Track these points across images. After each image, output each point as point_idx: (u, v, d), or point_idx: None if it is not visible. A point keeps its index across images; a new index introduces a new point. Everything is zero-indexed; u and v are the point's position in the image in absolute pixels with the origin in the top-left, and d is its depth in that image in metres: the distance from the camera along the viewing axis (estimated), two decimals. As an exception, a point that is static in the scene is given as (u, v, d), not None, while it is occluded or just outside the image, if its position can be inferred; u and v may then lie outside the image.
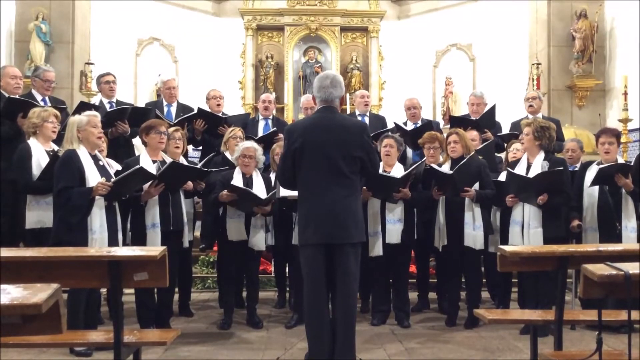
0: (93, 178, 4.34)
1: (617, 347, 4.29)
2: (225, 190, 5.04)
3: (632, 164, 5.17)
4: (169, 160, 4.93)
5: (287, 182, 4.01)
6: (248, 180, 5.24)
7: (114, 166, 5.03)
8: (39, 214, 4.82)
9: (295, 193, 4.17)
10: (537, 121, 5.23)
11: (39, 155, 4.82)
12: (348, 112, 8.83)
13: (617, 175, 4.99)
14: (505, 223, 5.24)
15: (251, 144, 5.39)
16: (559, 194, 4.93)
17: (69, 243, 4.09)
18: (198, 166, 5.33)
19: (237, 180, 5.17)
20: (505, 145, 6.19)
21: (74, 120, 4.50)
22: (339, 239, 3.74)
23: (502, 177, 5.30)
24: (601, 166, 5.07)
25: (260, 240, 5.25)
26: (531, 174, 4.92)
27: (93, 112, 4.64)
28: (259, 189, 5.20)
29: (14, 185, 4.98)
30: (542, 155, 5.03)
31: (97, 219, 4.34)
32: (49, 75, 6.10)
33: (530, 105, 6.63)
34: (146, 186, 4.72)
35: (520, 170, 5.08)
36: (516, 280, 5.65)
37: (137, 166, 4.58)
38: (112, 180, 4.41)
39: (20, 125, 5.25)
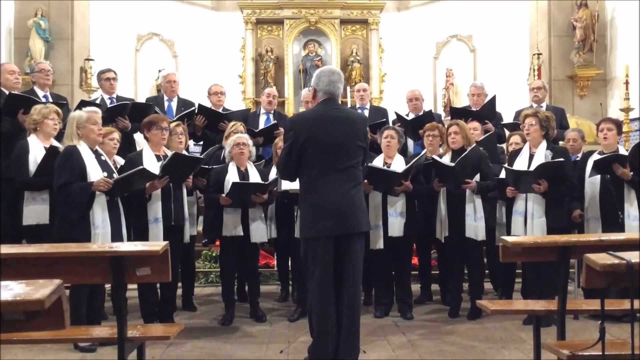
0: (95, 173, 4.35)
1: (620, 337, 4.29)
2: (223, 195, 5.09)
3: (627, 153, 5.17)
4: (170, 154, 4.94)
5: (290, 173, 3.97)
6: (244, 174, 5.26)
7: (118, 162, 5.05)
8: (36, 210, 4.83)
9: (296, 186, 4.16)
10: (541, 111, 5.24)
11: (37, 151, 4.82)
12: (349, 105, 8.82)
13: (614, 165, 4.98)
14: (511, 216, 5.24)
15: (241, 134, 5.50)
16: (563, 183, 4.93)
17: (72, 239, 4.09)
18: (200, 156, 5.36)
19: (233, 175, 5.19)
20: (508, 134, 6.19)
21: (73, 116, 4.49)
22: (350, 229, 3.75)
23: (503, 174, 5.29)
24: (595, 158, 5.08)
25: (260, 232, 5.25)
26: (534, 164, 4.91)
27: (94, 109, 4.62)
28: (256, 181, 5.24)
29: (12, 182, 4.98)
30: (544, 144, 5.03)
31: (99, 214, 4.34)
32: (43, 66, 6.12)
33: (535, 95, 6.67)
34: None
35: (522, 160, 5.07)
36: (520, 271, 5.65)
37: (140, 167, 4.58)
38: (114, 179, 4.42)
39: (21, 122, 5.25)
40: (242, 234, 5.17)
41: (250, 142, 5.43)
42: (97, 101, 6.35)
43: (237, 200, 5.11)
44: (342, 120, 3.84)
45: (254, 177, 5.27)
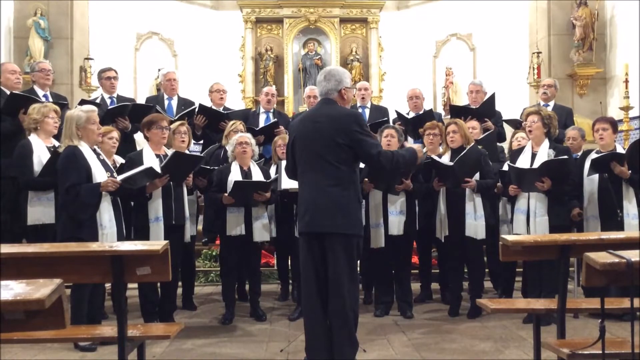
0: (99, 174, 4.35)
1: (620, 335, 4.30)
2: (225, 194, 5.08)
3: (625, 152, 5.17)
4: (170, 153, 4.93)
5: (292, 175, 4.06)
6: (247, 173, 5.26)
7: (118, 161, 5.05)
8: (40, 210, 4.82)
9: (295, 185, 4.19)
10: (544, 109, 5.24)
11: (40, 151, 4.83)
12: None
13: (612, 164, 4.99)
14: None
15: (244, 133, 5.52)
16: (566, 183, 4.92)
17: (80, 239, 4.10)
18: (201, 155, 5.37)
19: (236, 174, 5.18)
20: (513, 131, 6.18)
21: (72, 116, 4.45)
22: (325, 228, 3.71)
23: (507, 167, 5.32)
24: (593, 157, 5.08)
25: (262, 231, 5.25)
26: (537, 163, 4.91)
27: (91, 107, 4.59)
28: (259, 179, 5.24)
29: (15, 181, 4.98)
30: (547, 143, 5.03)
31: (106, 214, 4.36)
32: (43, 65, 6.12)
33: (544, 93, 6.66)
34: None
35: (524, 159, 5.06)
36: (521, 269, 5.65)
37: (148, 166, 4.60)
38: (121, 178, 4.42)
39: (21, 122, 5.24)
40: (244, 232, 5.17)
41: (252, 141, 5.43)
42: (97, 100, 6.35)
43: (240, 198, 5.10)
44: (323, 119, 3.79)
45: (257, 176, 5.28)
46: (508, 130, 6.69)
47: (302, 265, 3.85)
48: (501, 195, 5.43)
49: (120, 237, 4.45)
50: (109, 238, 4.30)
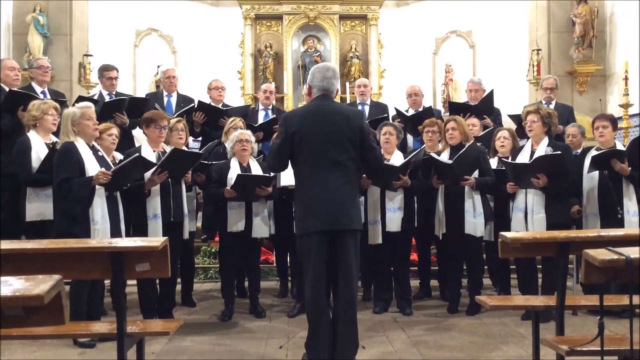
0: (93, 169, 4.35)
1: (619, 332, 4.30)
2: (228, 187, 5.06)
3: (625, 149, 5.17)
4: (169, 150, 4.93)
5: (279, 168, 4.04)
6: (246, 169, 5.25)
7: (118, 158, 5.05)
8: (39, 206, 4.83)
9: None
10: (543, 107, 5.25)
11: (39, 147, 4.82)
12: (348, 101, 8.82)
13: (612, 160, 4.98)
14: (501, 211, 5.25)
15: (244, 130, 5.52)
16: (564, 180, 4.92)
17: (72, 235, 4.11)
18: (199, 152, 5.36)
19: (236, 170, 5.18)
20: (496, 130, 6.19)
21: (67, 113, 4.47)
22: (341, 225, 3.71)
23: (493, 164, 5.35)
24: (593, 154, 5.08)
25: (262, 227, 5.24)
26: (535, 160, 4.92)
27: (86, 104, 4.59)
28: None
29: (14, 178, 4.98)
30: (546, 141, 5.03)
31: (99, 209, 4.34)
32: (42, 62, 6.11)
33: (548, 96, 6.72)
34: (148, 174, 4.73)
35: (524, 157, 5.06)
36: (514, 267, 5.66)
37: (136, 155, 4.58)
38: (112, 169, 4.42)
39: (20, 119, 5.24)
40: (244, 228, 5.16)
41: (252, 138, 5.43)
42: (96, 97, 6.33)
43: (242, 193, 5.09)
44: (333, 116, 3.79)
45: (257, 172, 5.27)
46: (511, 125, 6.69)
47: (312, 265, 3.74)
48: (490, 194, 5.42)
49: (115, 234, 4.43)
50: (100, 234, 4.28)
